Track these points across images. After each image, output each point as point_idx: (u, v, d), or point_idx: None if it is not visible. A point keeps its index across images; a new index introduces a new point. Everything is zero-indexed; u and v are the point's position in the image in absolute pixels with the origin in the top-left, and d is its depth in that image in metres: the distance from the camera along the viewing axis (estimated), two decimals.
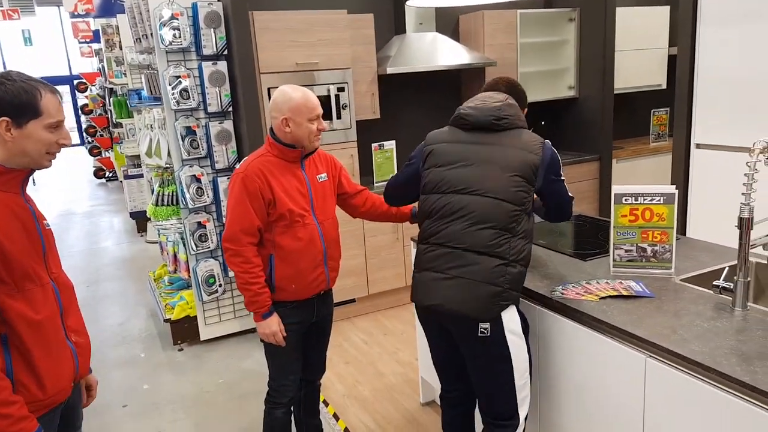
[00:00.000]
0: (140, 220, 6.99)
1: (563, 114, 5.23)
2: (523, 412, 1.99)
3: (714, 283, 1.85)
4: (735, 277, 1.80)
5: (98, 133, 9.81)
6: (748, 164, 1.72)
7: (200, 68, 3.53)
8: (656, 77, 5.41)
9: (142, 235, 7.00)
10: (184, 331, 3.93)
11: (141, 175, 6.64)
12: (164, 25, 3.40)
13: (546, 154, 1.97)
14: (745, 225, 1.76)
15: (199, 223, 3.68)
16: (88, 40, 9.20)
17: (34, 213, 1.55)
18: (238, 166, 2.23)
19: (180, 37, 3.44)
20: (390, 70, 4.11)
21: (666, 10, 5.27)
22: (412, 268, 2.09)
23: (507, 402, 1.97)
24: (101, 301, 4.95)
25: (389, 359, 3.60)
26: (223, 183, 3.67)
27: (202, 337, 3.92)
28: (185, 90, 3.50)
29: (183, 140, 3.56)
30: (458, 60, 4.34)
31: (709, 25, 3.22)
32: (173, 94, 3.48)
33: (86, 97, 10.51)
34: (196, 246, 3.69)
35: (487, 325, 1.87)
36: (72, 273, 5.46)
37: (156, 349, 3.95)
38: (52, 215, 8.51)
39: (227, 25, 3.54)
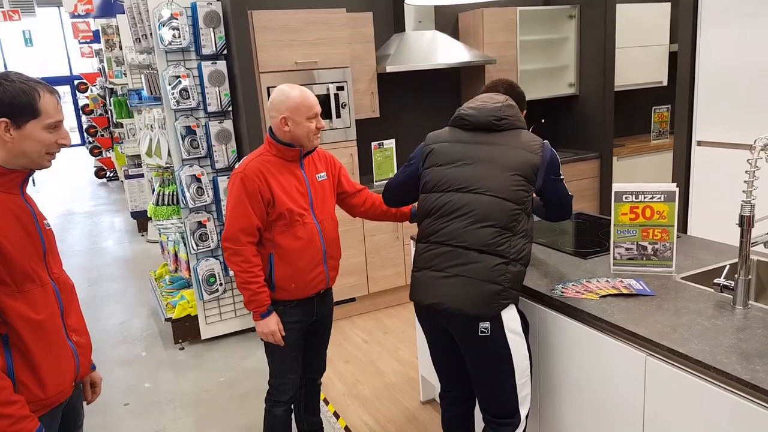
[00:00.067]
0: (141, 219, 6.99)
1: (564, 111, 5.22)
2: (524, 411, 1.99)
3: (715, 281, 1.85)
4: (736, 276, 1.79)
5: (99, 133, 9.82)
6: (749, 161, 1.72)
7: (200, 68, 3.53)
8: (657, 74, 5.39)
9: (143, 235, 7.01)
10: (185, 330, 3.93)
11: (142, 175, 6.65)
12: (164, 25, 3.40)
13: (546, 154, 1.98)
14: (746, 223, 1.75)
15: (199, 222, 3.68)
16: (88, 40, 9.20)
17: (34, 213, 1.55)
18: (237, 165, 2.22)
19: (179, 37, 3.44)
20: (389, 69, 4.10)
21: (667, 6, 5.25)
22: (412, 267, 2.09)
23: (508, 401, 1.97)
24: (102, 301, 4.96)
25: (389, 358, 3.60)
26: (223, 182, 3.67)
27: (203, 336, 3.93)
28: (185, 90, 3.50)
29: (183, 140, 3.56)
30: (458, 58, 4.33)
31: (710, 22, 3.22)
32: (173, 93, 3.48)
33: (87, 97, 10.52)
34: (197, 245, 3.69)
35: (487, 324, 1.87)
36: (73, 273, 5.47)
37: (157, 348, 3.95)
38: (54, 215, 8.52)
39: (226, 24, 3.54)
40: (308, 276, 2.22)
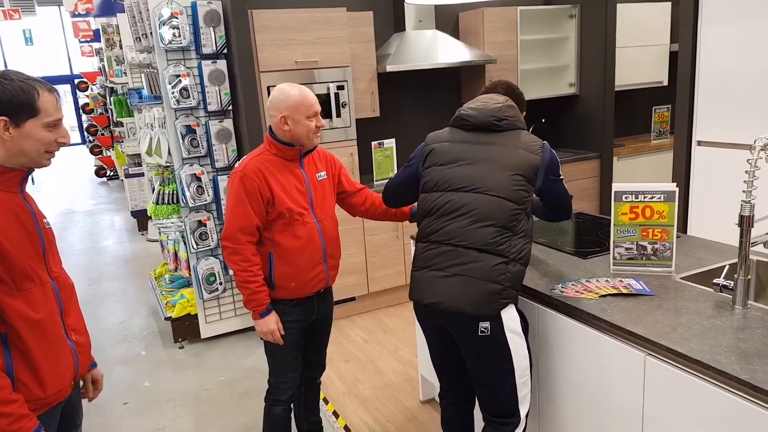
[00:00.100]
0: (141, 218, 6.99)
1: (564, 111, 5.22)
2: (523, 410, 2.00)
3: (714, 281, 1.85)
4: (735, 275, 1.79)
5: (99, 132, 9.82)
6: (749, 161, 1.72)
7: (200, 67, 3.53)
8: (657, 74, 5.39)
9: (143, 234, 7.01)
10: (185, 329, 3.93)
11: (142, 174, 6.65)
12: (164, 24, 3.40)
13: (546, 155, 1.99)
14: (745, 223, 1.75)
15: (199, 221, 3.68)
16: (88, 39, 9.20)
17: (33, 212, 1.54)
18: (237, 164, 2.23)
19: (179, 35, 3.44)
20: (390, 68, 4.10)
21: (667, 6, 5.25)
22: (411, 266, 2.09)
23: (508, 400, 1.97)
24: (102, 300, 4.96)
25: (389, 357, 3.60)
26: (223, 182, 3.67)
27: (203, 335, 3.93)
28: (185, 89, 3.50)
29: (183, 139, 3.56)
30: (458, 57, 4.33)
31: (710, 22, 3.21)
32: (173, 92, 3.48)
33: (87, 96, 10.52)
34: (197, 244, 3.70)
35: (487, 324, 1.87)
36: (73, 271, 5.47)
37: (157, 347, 3.96)
38: (54, 214, 8.52)
39: (226, 23, 3.54)
40: (308, 275, 2.22)
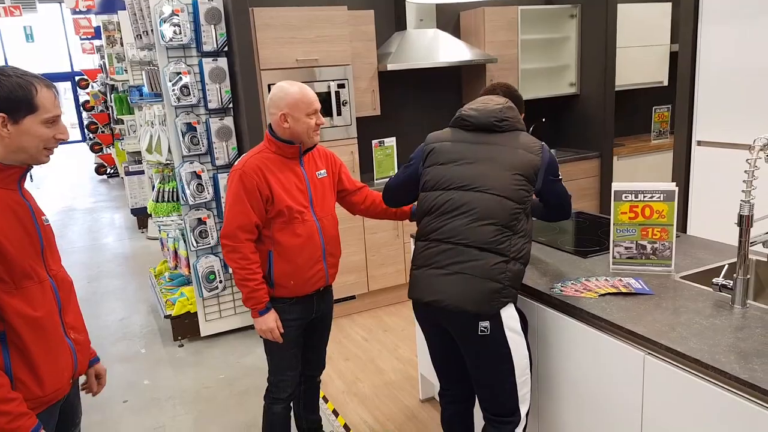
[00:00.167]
0: (141, 216, 7.00)
1: (564, 111, 5.22)
2: (524, 409, 2.00)
3: (713, 280, 1.85)
4: (734, 275, 1.80)
5: (99, 130, 9.82)
6: (749, 161, 1.72)
7: (200, 64, 3.53)
8: (658, 74, 5.39)
9: (143, 232, 7.02)
10: (185, 327, 3.93)
11: (142, 172, 6.65)
12: (165, 22, 3.40)
13: (545, 155, 2.00)
14: (744, 222, 1.75)
15: (199, 219, 3.68)
16: (89, 36, 9.20)
17: (32, 209, 1.54)
18: (236, 162, 2.23)
19: (180, 33, 3.44)
20: (390, 67, 4.10)
21: (668, 6, 5.25)
22: (411, 265, 2.09)
23: (508, 400, 1.97)
24: (102, 297, 4.96)
25: (389, 356, 3.60)
26: (223, 179, 3.67)
27: (203, 333, 3.93)
28: (185, 86, 3.50)
29: (183, 137, 3.56)
30: (459, 57, 4.33)
31: (710, 22, 3.21)
32: (173, 90, 3.48)
33: (87, 93, 10.53)
34: (197, 242, 3.70)
35: (486, 324, 1.88)
36: (73, 269, 5.47)
37: (156, 345, 3.96)
38: (54, 212, 8.52)
39: (227, 21, 3.54)
40: (307, 273, 2.22)
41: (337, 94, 3.92)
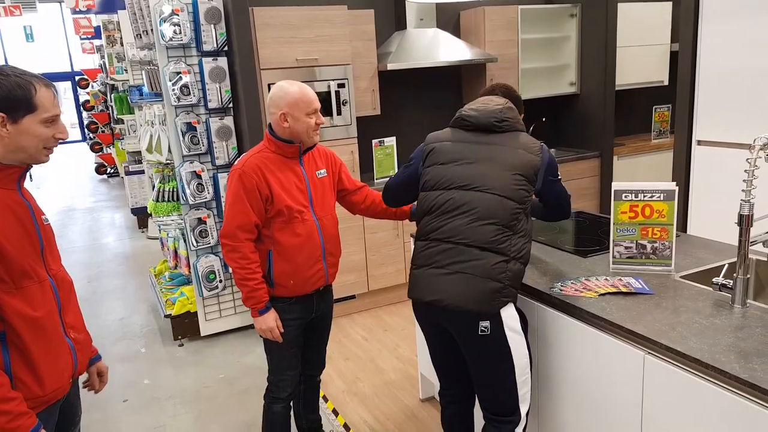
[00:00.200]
0: (141, 216, 7.00)
1: (564, 110, 5.22)
2: (524, 408, 2.00)
3: (713, 280, 1.85)
4: (734, 274, 1.79)
5: (100, 130, 9.82)
6: (749, 161, 1.72)
7: (200, 64, 3.53)
8: (658, 74, 5.38)
9: (143, 231, 7.02)
10: (185, 327, 3.93)
11: (142, 171, 6.65)
12: (164, 21, 3.40)
13: (545, 156, 2.01)
14: (744, 222, 1.75)
15: (199, 219, 3.68)
16: (89, 36, 9.20)
17: (31, 209, 1.54)
18: (236, 162, 2.23)
19: (180, 33, 3.43)
20: (390, 66, 4.10)
21: (668, 5, 5.24)
22: (411, 264, 2.09)
23: (508, 399, 1.97)
24: (102, 297, 4.96)
25: (389, 355, 3.60)
26: (223, 179, 3.67)
27: (203, 333, 3.93)
28: (185, 86, 3.50)
29: (183, 136, 3.56)
30: (459, 56, 4.33)
31: (711, 22, 3.21)
32: (173, 90, 3.48)
33: (87, 93, 10.53)
34: (197, 242, 3.70)
35: (487, 323, 1.88)
36: (73, 269, 5.47)
37: (157, 345, 3.96)
38: (54, 211, 8.53)
39: (227, 20, 3.54)
40: (307, 273, 2.22)
41: (337, 93, 3.92)
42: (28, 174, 1.57)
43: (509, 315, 1.91)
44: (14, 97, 1.42)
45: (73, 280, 1.69)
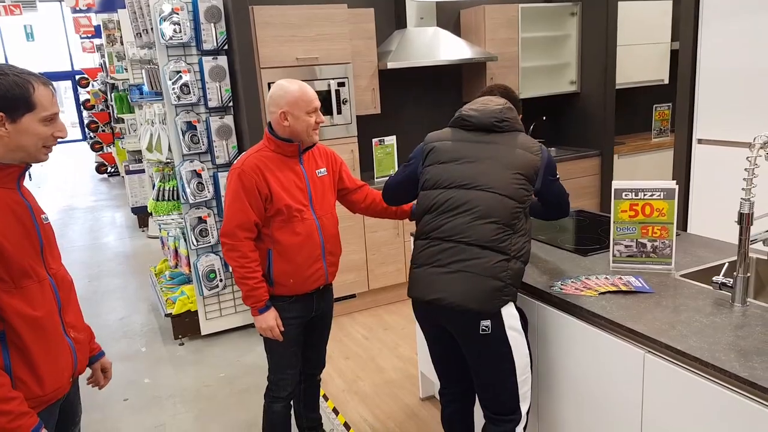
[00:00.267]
0: (142, 215, 7.00)
1: (565, 109, 5.21)
2: (524, 407, 2.00)
3: (713, 278, 1.85)
4: (735, 273, 1.79)
5: (100, 129, 9.83)
6: (749, 159, 1.72)
7: (200, 63, 3.53)
8: (658, 72, 5.38)
9: (143, 230, 7.02)
10: (185, 326, 3.94)
11: (142, 171, 6.65)
12: (164, 20, 3.40)
13: (544, 155, 2.02)
14: (745, 220, 1.75)
15: (199, 218, 3.68)
16: (89, 35, 9.20)
17: (31, 208, 1.53)
18: (236, 161, 2.23)
19: (180, 32, 3.43)
20: (390, 65, 4.10)
21: (668, 4, 5.24)
22: (410, 263, 2.09)
23: (509, 398, 1.98)
24: (103, 296, 4.97)
25: (389, 354, 3.60)
26: (223, 178, 3.67)
27: (203, 332, 3.93)
28: (185, 85, 3.50)
29: (183, 135, 3.56)
30: (459, 55, 4.32)
31: (711, 20, 3.21)
32: (173, 89, 3.48)
33: (88, 92, 10.53)
34: (197, 241, 3.70)
35: (488, 323, 1.88)
36: (74, 268, 5.48)
37: (157, 344, 3.96)
38: (54, 211, 8.53)
39: (227, 19, 3.53)
40: (307, 272, 2.22)
41: (338, 92, 3.92)
42: (27, 173, 1.57)
43: (510, 314, 1.92)
44: (13, 96, 1.42)
45: (74, 279, 1.69)
